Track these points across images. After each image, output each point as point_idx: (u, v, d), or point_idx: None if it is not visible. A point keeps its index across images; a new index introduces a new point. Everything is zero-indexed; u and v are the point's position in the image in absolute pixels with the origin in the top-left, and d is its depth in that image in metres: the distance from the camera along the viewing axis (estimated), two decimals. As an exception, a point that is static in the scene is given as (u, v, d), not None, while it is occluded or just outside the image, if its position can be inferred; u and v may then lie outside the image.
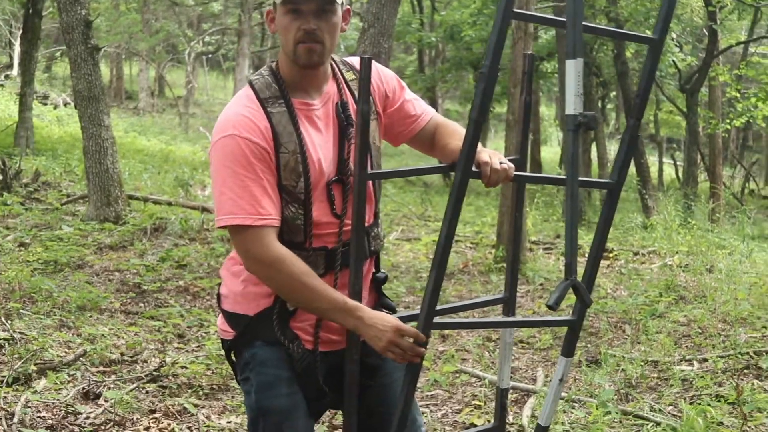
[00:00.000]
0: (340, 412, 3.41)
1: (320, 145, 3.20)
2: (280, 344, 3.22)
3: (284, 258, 3.07)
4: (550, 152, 45.14)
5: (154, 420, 5.76)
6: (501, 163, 3.07)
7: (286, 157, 3.11)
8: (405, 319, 3.15)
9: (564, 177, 2.95)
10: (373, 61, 3.29)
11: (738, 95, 24.47)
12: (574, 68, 2.81)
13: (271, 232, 3.08)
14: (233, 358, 3.39)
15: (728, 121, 24.17)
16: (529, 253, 12.19)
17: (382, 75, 3.41)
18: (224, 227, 3.09)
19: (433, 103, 29.88)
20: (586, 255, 3.31)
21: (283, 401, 3.21)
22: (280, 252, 3.07)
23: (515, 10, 2.77)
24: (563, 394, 6.39)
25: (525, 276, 10.76)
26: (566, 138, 2.91)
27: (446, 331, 8.18)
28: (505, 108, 14.54)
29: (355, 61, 3.38)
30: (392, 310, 3.37)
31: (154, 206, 13.16)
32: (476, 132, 2.86)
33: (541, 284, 10.55)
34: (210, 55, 48.24)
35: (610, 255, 12.44)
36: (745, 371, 6.97)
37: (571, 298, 3.18)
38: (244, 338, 3.29)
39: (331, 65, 3.32)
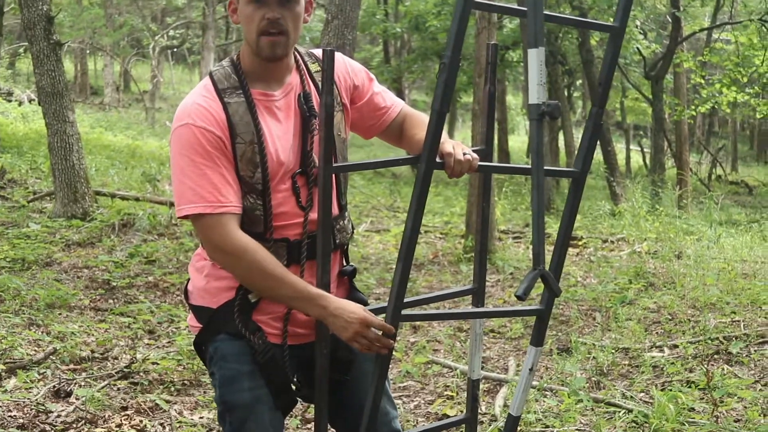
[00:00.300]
0: (312, 405, 3.40)
1: (279, 136, 3.18)
2: (242, 337, 3.20)
3: (246, 246, 3.06)
4: (518, 141, 45.27)
5: (125, 417, 5.74)
6: (465, 154, 3.07)
7: (243, 147, 3.10)
8: (374, 312, 3.13)
9: (529, 167, 2.95)
10: (342, 54, 3.29)
11: (703, 81, 24.59)
12: (536, 57, 2.80)
13: (231, 219, 3.07)
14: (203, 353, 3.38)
15: (693, 107, 24.29)
16: (498, 242, 12.24)
17: (350, 67, 3.40)
18: (185, 217, 3.08)
19: (400, 94, 29.86)
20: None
21: (245, 396, 3.19)
22: (241, 240, 3.06)
23: (475, 0, 2.77)
24: (535, 383, 6.41)
25: (494, 265, 10.79)
26: (531, 127, 2.90)
27: (417, 323, 8.19)
28: (471, 98, 14.55)
29: (321, 53, 3.34)
30: (364, 304, 3.32)
31: (122, 202, 13.09)
32: (439, 123, 2.86)
33: (511, 273, 10.58)
34: (175, 49, 47.98)
35: (579, 243, 12.50)
36: (715, 356, 7.01)
37: (541, 287, 3.19)
38: (209, 331, 3.27)
39: (295, 56, 3.30)
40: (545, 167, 2.92)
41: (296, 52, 3.31)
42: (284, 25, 3.11)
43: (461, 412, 5.90)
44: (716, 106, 24.93)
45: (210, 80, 3.19)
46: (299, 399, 3.39)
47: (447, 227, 14.51)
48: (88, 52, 42.34)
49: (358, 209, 16.59)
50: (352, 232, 3.50)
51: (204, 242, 3.15)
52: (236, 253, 3.05)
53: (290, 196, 3.20)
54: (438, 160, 3.01)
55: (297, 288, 3.07)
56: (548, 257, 3.06)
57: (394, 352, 2.99)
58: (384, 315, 3.12)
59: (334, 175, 3.23)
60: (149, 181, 15.07)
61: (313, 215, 3.16)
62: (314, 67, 3.33)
